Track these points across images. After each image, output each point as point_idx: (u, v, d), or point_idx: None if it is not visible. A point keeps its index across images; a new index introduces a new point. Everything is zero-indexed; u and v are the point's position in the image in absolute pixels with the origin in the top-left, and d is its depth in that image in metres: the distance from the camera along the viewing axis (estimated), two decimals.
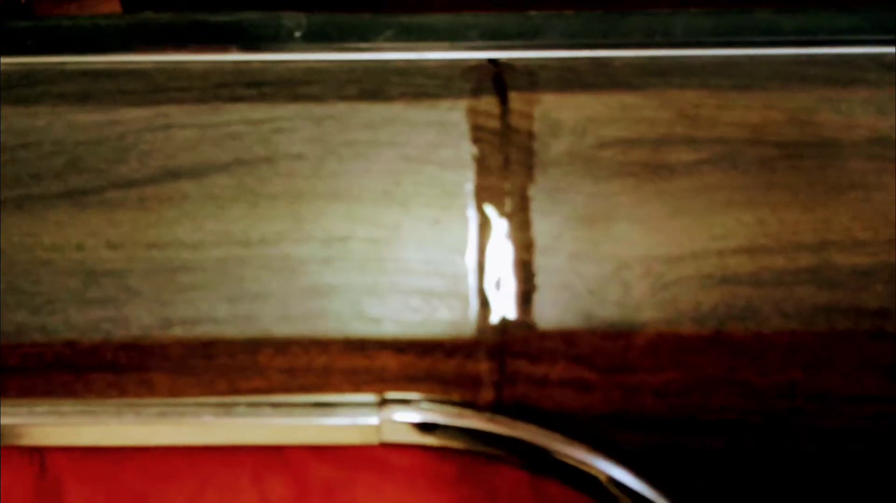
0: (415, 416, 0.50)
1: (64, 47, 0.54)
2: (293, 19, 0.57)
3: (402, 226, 0.49)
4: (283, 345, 0.49)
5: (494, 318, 0.49)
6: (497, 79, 0.52)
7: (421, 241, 0.49)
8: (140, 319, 0.48)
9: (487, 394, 0.50)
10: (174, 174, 0.49)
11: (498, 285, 0.49)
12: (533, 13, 0.58)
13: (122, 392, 0.49)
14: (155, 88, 0.51)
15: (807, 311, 0.48)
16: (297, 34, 0.56)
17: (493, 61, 0.54)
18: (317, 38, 0.56)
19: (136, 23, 0.55)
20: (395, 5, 0.63)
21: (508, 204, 0.50)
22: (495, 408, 0.50)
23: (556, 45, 0.55)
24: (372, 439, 0.50)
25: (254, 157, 0.50)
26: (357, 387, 0.49)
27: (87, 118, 0.50)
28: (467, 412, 0.50)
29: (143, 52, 0.54)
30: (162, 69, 0.52)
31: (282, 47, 0.55)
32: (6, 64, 0.53)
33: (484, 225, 0.50)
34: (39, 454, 0.53)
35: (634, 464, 0.50)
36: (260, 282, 0.49)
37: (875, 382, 0.49)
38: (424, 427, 0.50)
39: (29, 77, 0.52)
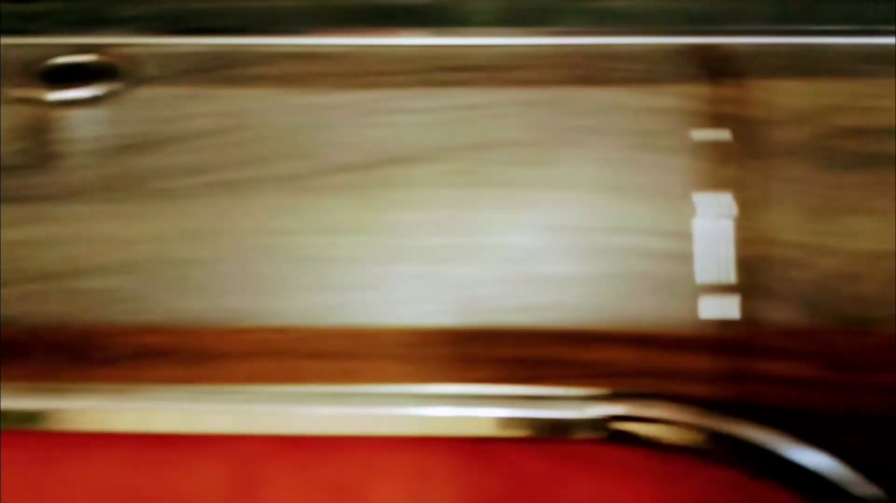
0: (641, 411, 0.48)
1: (257, 29, 0.53)
2: (482, 3, 0.55)
3: (625, 216, 0.48)
4: (510, 336, 0.47)
5: (721, 313, 0.47)
6: (715, 64, 0.51)
7: (646, 231, 0.47)
8: (359, 307, 0.47)
9: (713, 390, 0.48)
10: (393, 160, 0.48)
11: (726, 279, 0.48)
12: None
13: (335, 380, 0.48)
14: (364, 72, 0.49)
15: None
16: (487, 18, 0.55)
17: (708, 46, 0.52)
18: (507, 21, 0.55)
19: (327, 5, 0.54)
20: None
21: (739, 195, 0.48)
22: (720, 404, 0.48)
23: (763, 32, 0.53)
24: (594, 434, 0.48)
25: (473, 143, 0.48)
26: (578, 381, 0.48)
27: (301, 101, 0.48)
28: (691, 408, 0.48)
29: (339, 34, 0.53)
30: (364, 53, 0.50)
31: (479, 31, 0.54)
32: (202, 45, 0.52)
33: (712, 216, 0.48)
34: (236, 444, 0.51)
35: (861, 467, 0.48)
36: (479, 271, 0.47)
37: None
38: (650, 421, 0.48)
39: (230, 58, 0.51)
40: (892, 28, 0.53)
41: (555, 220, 0.48)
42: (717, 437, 0.48)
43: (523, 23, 0.55)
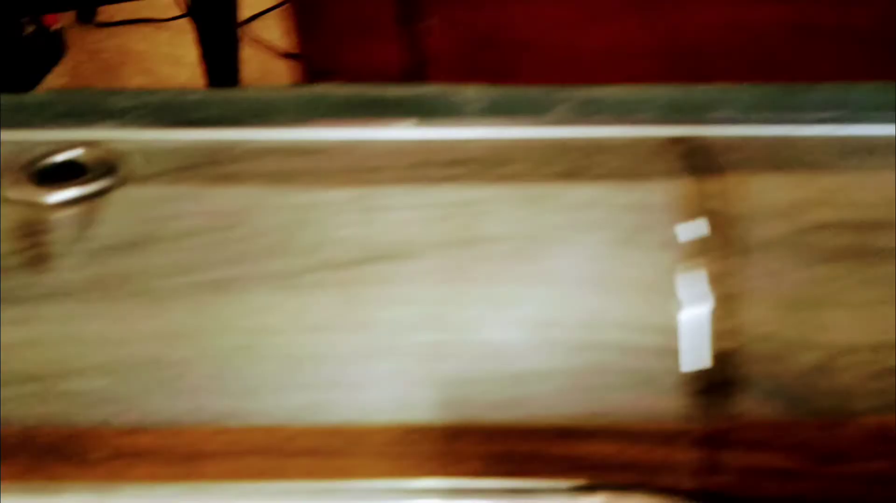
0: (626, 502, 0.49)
1: (247, 121, 0.54)
2: (471, 93, 0.56)
3: (607, 311, 0.49)
4: (488, 432, 0.48)
5: (701, 407, 0.48)
6: (698, 158, 0.52)
7: (626, 327, 0.49)
8: (344, 405, 0.48)
9: (694, 482, 0.49)
10: (380, 257, 0.48)
11: (706, 372, 0.49)
12: (710, 86, 0.57)
13: (324, 476, 0.48)
14: (354, 167, 0.50)
15: None
16: (477, 108, 0.56)
17: (689, 139, 0.53)
18: (496, 112, 0.56)
19: (317, 97, 0.55)
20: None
21: (719, 289, 0.49)
22: (700, 496, 0.49)
23: (740, 121, 0.55)
24: None
25: (460, 239, 0.49)
26: (563, 474, 0.48)
27: (290, 199, 0.49)
28: (675, 500, 0.49)
29: (329, 126, 0.54)
30: (355, 147, 0.51)
31: (469, 122, 0.55)
32: (189, 140, 0.53)
33: (692, 311, 0.49)
34: None
35: None
36: (464, 368, 0.48)
37: None
38: None
39: (219, 154, 0.52)
40: (875, 117, 0.54)
41: (539, 315, 0.48)
42: None
43: (513, 113, 0.56)
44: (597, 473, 0.48)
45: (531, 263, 0.49)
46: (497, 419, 0.48)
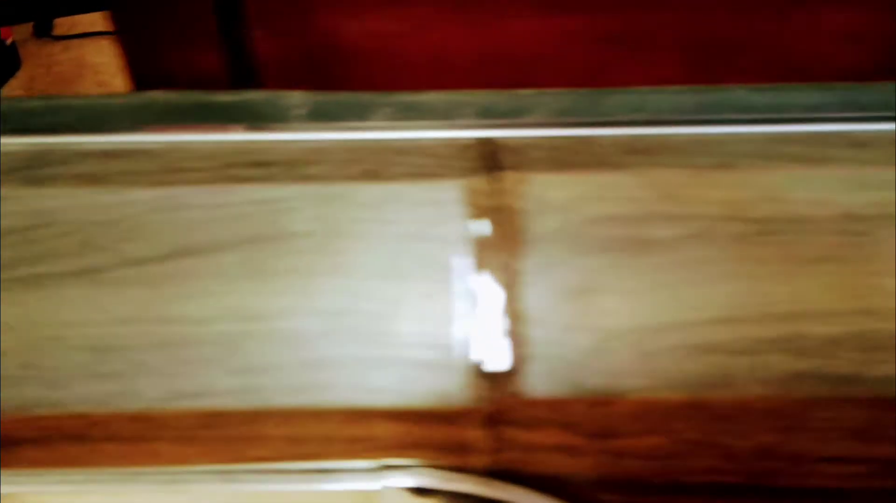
0: (412, 482, 0.52)
1: (74, 127, 0.57)
2: (296, 99, 0.59)
3: (400, 300, 0.52)
4: (285, 416, 0.51)
5: (487, 388, 0.52)
6: (491, 158, 0.55)
7: (417, 315, 0.52)
8: (148, 392, 0.51)
9: (480, 460, 0.52)
10: (183, 253, 0.52)
11: (490, 356, 0.52)
12: (522, 91, 0.61)
13: (131, 461, 0.51)
14: (165, 169, 0.54)
15: (780, 378, 0.51)
16: (301, 113, 0.59)
17: (487, 140, 0.57)
18: (319, 117, 0.59)
19: (144, 103, 0.58)
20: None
21: (501, 278, 0.52)
22: (488, 473, 0.52)
23: (545, 124, 0.58)
24: None
25: (260, 235, 0.53)
26: (356, 455, 0.52)
27: (100, 199, 0.52)
28: (461, 477, 0.52)
29: (151, 131, 0.57)
30: (171, 150, 0.55)
31: (286, 127, 0.58)
32: (18, 144, 0.56)
33: (477, 298, 0.52)
34: None
35: None
36: (264, 356, 0.51)
37: (847, 444, 0.52)
38: (421, 492, 0.52)
39: (42, 157, 0.55)
40: (659, 118, 0.58)
41: (335, 305, 0.52)
42: (488, 502, 0.52)
43: (334, 118, 0.59)
44: (388, 453, 0.52)
45: (329, 257, 0.52)
46: (293, 403, 0.51)
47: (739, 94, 0.61)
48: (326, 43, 0.61)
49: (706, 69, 0.65)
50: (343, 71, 0.62)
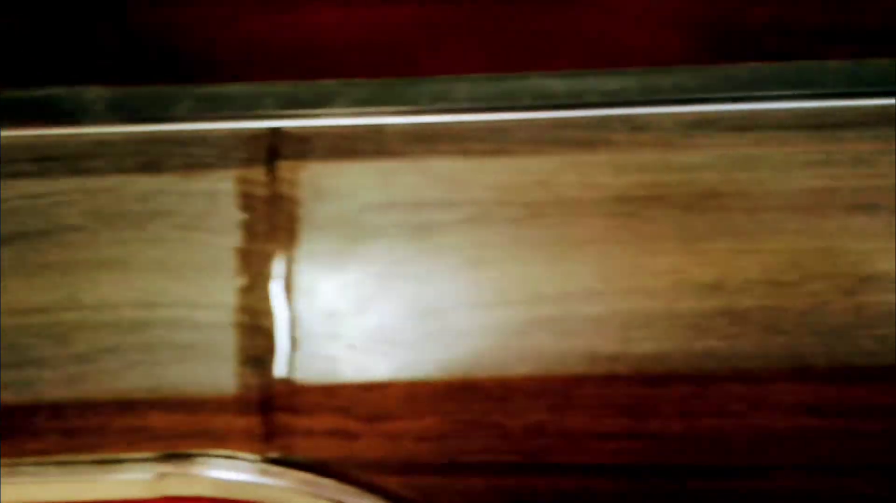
0: (189, 470, 0.52)
1: None
2: (95, 93, 0.59)
3: (171, 290, 0.52)
4: (57, 408, 0.51)
5: (258, 375, 0.52)
6: (270, 148, 0.56)
7: (189, 304, 0.52)
8: None
9: (257, 447, 0.53)
10: None
11: (263, 344, 0.53)
12: (324, 82, 0.61)
13: None
14: None
15: (546, 357, 0.53)
16: (99, 108, 0.59)
17: (274, 130, 0.57)
18: (117, 110, 0.59)
19: None
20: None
21: (273, 266, 0.53)
22: (265, 460, 0.53)
23: (340, 114, 0.59)
24: (151, 493, 0.53)
25: (32, 229, 0.53)
26: (132, 446, 0.52)
27: None
28: (238, 464, 0.53)
29: None
30: None
31: (81, 121, 0.58)
32: None
33: (249, 287, 0.53)
34: None
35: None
36: (35, 349, 0.52)
37: (616, 421, 0.53)
38: (199, 480, 0.52)
39: None
40: (451, 107, 0.59)
41: (103, 297, 0.52)
42: (267, 488, 0.53)
43: (133, 112, 0.59)
44: (161, 443, 0.52)
45: (100, 249, 0.53)
46: (63, 396, 0.51)
47: (536, 81, 0.62)
48: (147, 35, 0.62)
49: (513, 58, 0.66)
50: (157, 64, 0.63)
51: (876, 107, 0.57)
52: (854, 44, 0.62)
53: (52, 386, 0.51)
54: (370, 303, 0.53)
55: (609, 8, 0.68)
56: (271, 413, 0.52)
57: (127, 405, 0.51)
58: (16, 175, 0.54)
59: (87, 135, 0.56)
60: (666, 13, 0.64)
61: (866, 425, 0.54)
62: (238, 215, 0.54)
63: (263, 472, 0.53)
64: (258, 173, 0.55)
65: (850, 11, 0.62)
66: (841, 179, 0.55)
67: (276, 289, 0.53)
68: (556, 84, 0.61)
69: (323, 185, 0.54)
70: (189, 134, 0.57)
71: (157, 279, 0.52)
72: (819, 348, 0.54)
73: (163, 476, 0.52)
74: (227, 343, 0.52)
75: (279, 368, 0.52)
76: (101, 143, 0.56)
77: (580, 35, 0.67)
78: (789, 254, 0.54)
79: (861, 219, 0.55)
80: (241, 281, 0.53)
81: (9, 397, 0.51)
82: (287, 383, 0.52)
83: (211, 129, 0.57)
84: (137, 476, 0.52)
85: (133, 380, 0.52)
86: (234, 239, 0.53)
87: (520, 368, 0.53)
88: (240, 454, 0.53)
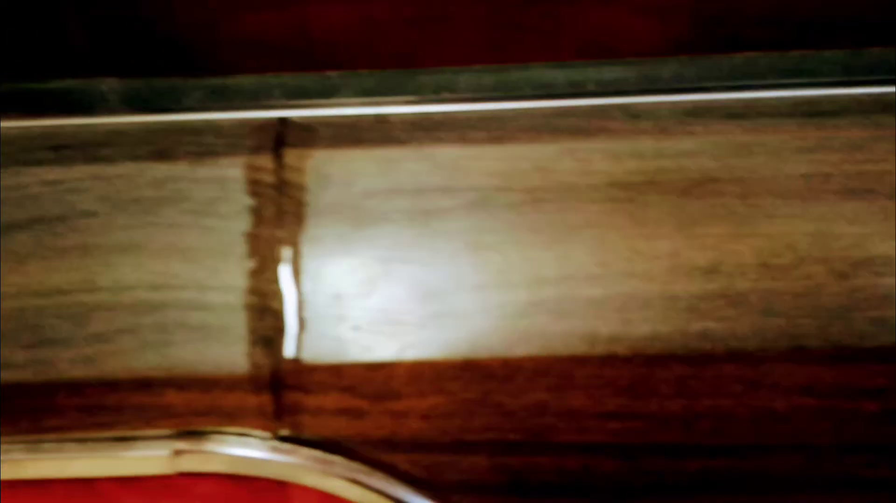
0: (204, 447, 0.54)
1: None
2: (109, 85, 0.61)
3: (183, 274, 0.54)
4: (76, 387, 0.53)
5: (268, 355, 0.54)
6: (278, 136, 0.58)
7: (201, 287, 0.54)
8: None
9: (268, 425, 0.54)
10: None
11: (272, 324, 0.55)
12: (331, 73, 0.63)
13: None
14: None
15: (547, 338, 0.54)
16: (112, 99, 0.61)
17: (281, 120, 0.59)
18: (130, 102, 0.61)
19: None
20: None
21: (281, 250, 0.55)
22: (277, 437, 0.55)
23: (345, 104, 0.61)
24: (167, 469, 0.55)
25: (50, 215, 0.55)
26: (148, 423, 0.54)
27: None
28: (250, 441, 0.54)
29: None
30: None
31: (96, 112, 0.60)
32: None
33: (258, 270, 0.55)
34: None
35: (409, 482, 0.55)
36: (54, 329, 0.53)
37: (615, 400, 0.55)
38: (213, 457, 0.54)
39: None
40: (453, 97, 0.61)
41: (123, 280, 0.54)
42: (278, 464, 0.55)
43: (146, 103, 0.61)
44: (176, 420, 0.54)
45: (113, 233, 0.54)
46: (81, 374, 0.53)
47: (536, 71, 0.64)
48: (159, 30, 0.64)
49: (511, 49, 0.67)
50: (162, 57, 0.65)
51: (869, 95, 0.59)
52: (847, 34, 0.63)
53: (71, 365, 0.53)
54: (375, 286, 0.55)
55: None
56: (281, 391, 0.54)
57: (143, 383, 0.53)
58: (35, 163, 0.56)
59: (102, 125, 0.58)
60: (662, 4, 0.65)
61: (861, 405, 0.55)
62: (247, 201, 0.55)
63: (274, 450, 0.54)
64: (266, 161, 0.56)
65: (843, 1, 0.64)
66: (834, 165, 0.57)
67: (284, 272, 0.55)
68: (555, 74, 0.62)
69: (328, 172, 0.56)
70: (199, 123, 0.58)
71: (170, 262, 0.54)
72: (814, 330, 0.55)
73: (178, 453, 0.54)
74: (238, 324, 0.54)
75: (288, 348, 0.54)
76: (116, 133, 0.58)
77: (578, 26, 0.68)
78: (784, 238, 0.56)
79: (854, 203, 0.56)
80: (250, 264, 0.55)
81: (29, 376, 0.53)
82: (296, 363, 0.54)
83: (220, 118, 0.59)
84: (154, 453, 0.54)
85: (148, 360, 0.54)
86: (244, 224, 0.55)
87: (521, 349, 0.54)
88: (252, 431, 0.55)
